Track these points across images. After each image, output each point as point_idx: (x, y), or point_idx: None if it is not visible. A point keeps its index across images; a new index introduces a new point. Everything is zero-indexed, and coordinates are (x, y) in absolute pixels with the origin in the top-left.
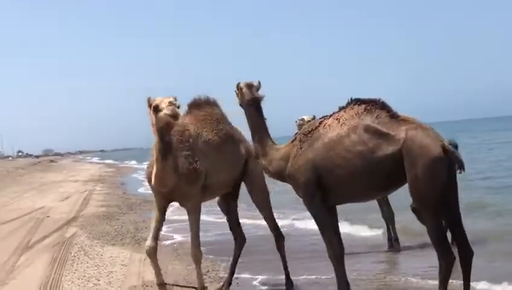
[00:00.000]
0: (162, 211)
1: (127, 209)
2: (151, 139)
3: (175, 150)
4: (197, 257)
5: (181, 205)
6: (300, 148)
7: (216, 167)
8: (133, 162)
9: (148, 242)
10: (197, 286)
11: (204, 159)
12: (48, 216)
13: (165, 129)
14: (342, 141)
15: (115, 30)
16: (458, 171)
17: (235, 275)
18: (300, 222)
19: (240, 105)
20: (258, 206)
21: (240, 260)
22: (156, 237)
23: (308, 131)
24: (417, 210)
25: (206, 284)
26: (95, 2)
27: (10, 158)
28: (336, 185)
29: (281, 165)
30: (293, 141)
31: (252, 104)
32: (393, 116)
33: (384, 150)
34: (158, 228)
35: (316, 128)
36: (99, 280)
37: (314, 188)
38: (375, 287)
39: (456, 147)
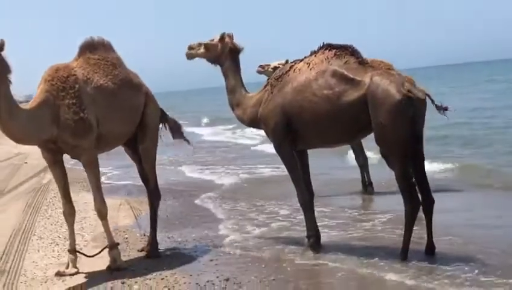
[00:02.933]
0: (58, 167)
1: (106, 154)
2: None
3: (55, 98)
4: (101, 212)
5: (73, 158)
6: (271, 92)
7: (110, 115)
8: None
9: (63, 207)
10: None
11: (94, 107)
12: (25, 162)
13: None
14: (310, 85)
15: None
16: (442, 113)
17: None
18: None
19: (214, 57)
20: (143, 155)
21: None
22: (67, 199)
23: (279, 76)
24: (384, 155)
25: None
26: None
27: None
28: (304, 129)
29: (253, 112)
30: (265, 86)
31: (233, 54)
32: (361, 62)
33: (349, 96)
34: (63, 188)
35: (287, 72)
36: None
37: (283, 132)
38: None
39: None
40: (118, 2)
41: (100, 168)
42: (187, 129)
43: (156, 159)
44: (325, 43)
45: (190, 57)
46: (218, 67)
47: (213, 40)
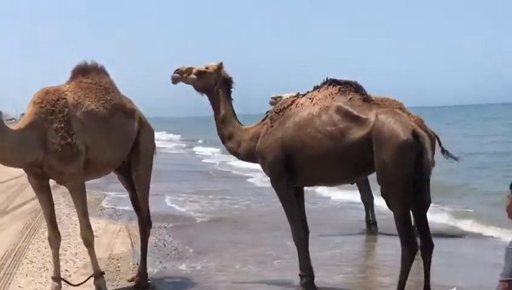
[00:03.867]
0: (44, 192)
1: (108, 177)
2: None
3: (43, 121)
4: (87, 239)
5: (59, 183)
6: (271, 126)
7: (100, 141)
8: None
9: (48, 233)
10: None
11: (83, 133)
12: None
13: None
14: (313, 121)
15: None
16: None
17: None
18: None
19: (205, 85)
20: (136, 182)
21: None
22: (53, 225)
23: (280, 109)
24: (384, 195)
25: None
26: None
27: (13, 120)
28: (305, 166)
29: (250, 146)
30: (263, 120)
31: (225, 84)
32: (366, 99)
33: (354, 133)
34: (49, 214)
35: (288, 106)
36: (66, 250)
37: (282, 168)
38: (348, 270)
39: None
40: (128, 30)
41: (104, 192)
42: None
43: (149, 187)
44: (328, 78)
45: (176, 81)
46: (205, 95)
47: (207, 67)
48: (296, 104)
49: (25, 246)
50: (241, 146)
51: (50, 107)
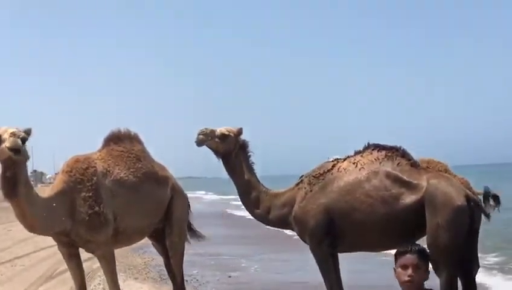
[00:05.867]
0: (73, 260)
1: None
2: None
3: (72, 190)
4: None
5: (88, 252)
6: (310, 190)
7: (130, 210)
8: None
9: None
10: None
11: (112, 201)
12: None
13: (8, 163)
14: (362, 186)
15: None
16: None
17: None
18: None
19: (227, 149)
20: (170, 249)
21: None
22: None
23: (319, 173)
24: (432, 260)
25: None
26: None
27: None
28: (351, 231)
29: (283, 212)
30: (298, 184)
31: (244, 149)
32: (413, 164)
33: (406, 198)
34: (79, 282)
35: (329, 171)
36: None
37: (324, 233)
38: None
39: (489, 194)
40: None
41: (152, 255)
42: None
43: (183, 254)
44: (370, 143)
45: (201, 143)
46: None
47: (228, 131)
48: (338, 169)
49: None
50: (271, 212)
51: (79, 175)
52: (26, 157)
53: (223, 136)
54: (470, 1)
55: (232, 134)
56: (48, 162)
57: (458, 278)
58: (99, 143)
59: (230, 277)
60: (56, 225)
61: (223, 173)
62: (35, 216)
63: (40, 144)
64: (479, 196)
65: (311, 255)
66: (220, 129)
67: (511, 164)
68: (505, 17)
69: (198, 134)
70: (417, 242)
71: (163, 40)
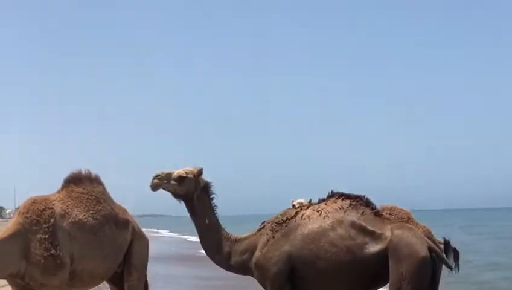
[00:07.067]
0: None
1: None
2: None
3: (27, 231)
4: None
5: None
6: (273, 237)
7: (87, 253)
8: None
9: None
10: None
11: (69, 244)
12: None
13: None
14: (326, 234)
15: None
16: (453, 271)
17: None
18: None
19: (186, 192)
20: None
21: None
22: None
23: (282, 220)
24: None
25: None
26: None
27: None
28: (313, 279)
29: (244, 258)
30: (259, 230)
31: (206, 190)
32: (377, 213)
33: (371, 248)
34: None
35: (292, 217)
36: None
37: (285, 280)
38: None
39: (449, 246)
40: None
41: None
42: None
43: None
44: (333, 191)
45: (156, 187)
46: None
47: (186, 172)
48: (302, 216)
49: None
50: (232, 258)
51: (35, 217)
52: None
53: (180, 179)
54: None
55: (190, 175)
56: (9, 197)
57: None
58: (62, 178)
59: None
60: (7, 267)
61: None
62: None
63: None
64: (440, 245)
65: None
66: (178, 171)
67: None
68: None
69: (153, 178)
70: None
71: None
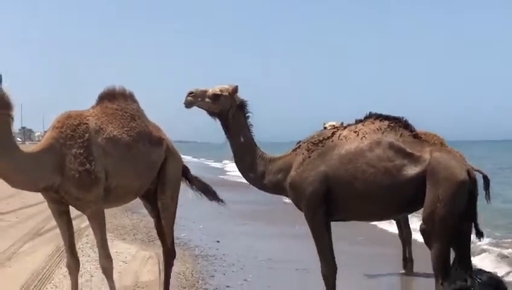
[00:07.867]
0: (63, 218)
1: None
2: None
3: (61, 146)
4: (106, 270)
5: (78, 210)
6: (309, 157)
7: (122, 169)
8: None
9: (67, 260)
10: None
11: (104, 159)
12: None
13: None
14: (364, 155)
15: None
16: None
17: None
18: None
19: (222, 109)
20: (162, 210)
21: None
22: (72, 252)
23: (318, 140)
24: (426, 232)
25: None
26: None
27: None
28: (349, 199)
29: (278, 177)
30: (295, 150)
31: (241, 109)
32: (416, 136)
33: (409, 170)
34: (68, 240)
35: (329, 138)
36: (92, 276)
37: (321, 201)
38: None
39: (485, 177)
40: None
41: (142, 217)
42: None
43: (175, 216)
44: (371, 112)
45: (190, 104)
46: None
47: (221, 90)
48: (339, 136)
49: (52, 270)
50: (266, 177)
51: (70, 132)
52: (5, 107)
53: (215, 96)
54: None
55: (226, 93)
56: (38, 120)
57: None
58: (92, 102)
59: (218, 241)
60: (40, 181)
61: (213, 138)
62: (15, 170)
63: (30, 101)
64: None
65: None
66: (213, 89)
67: None
68: None
69: (187, 95)
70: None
71: None
